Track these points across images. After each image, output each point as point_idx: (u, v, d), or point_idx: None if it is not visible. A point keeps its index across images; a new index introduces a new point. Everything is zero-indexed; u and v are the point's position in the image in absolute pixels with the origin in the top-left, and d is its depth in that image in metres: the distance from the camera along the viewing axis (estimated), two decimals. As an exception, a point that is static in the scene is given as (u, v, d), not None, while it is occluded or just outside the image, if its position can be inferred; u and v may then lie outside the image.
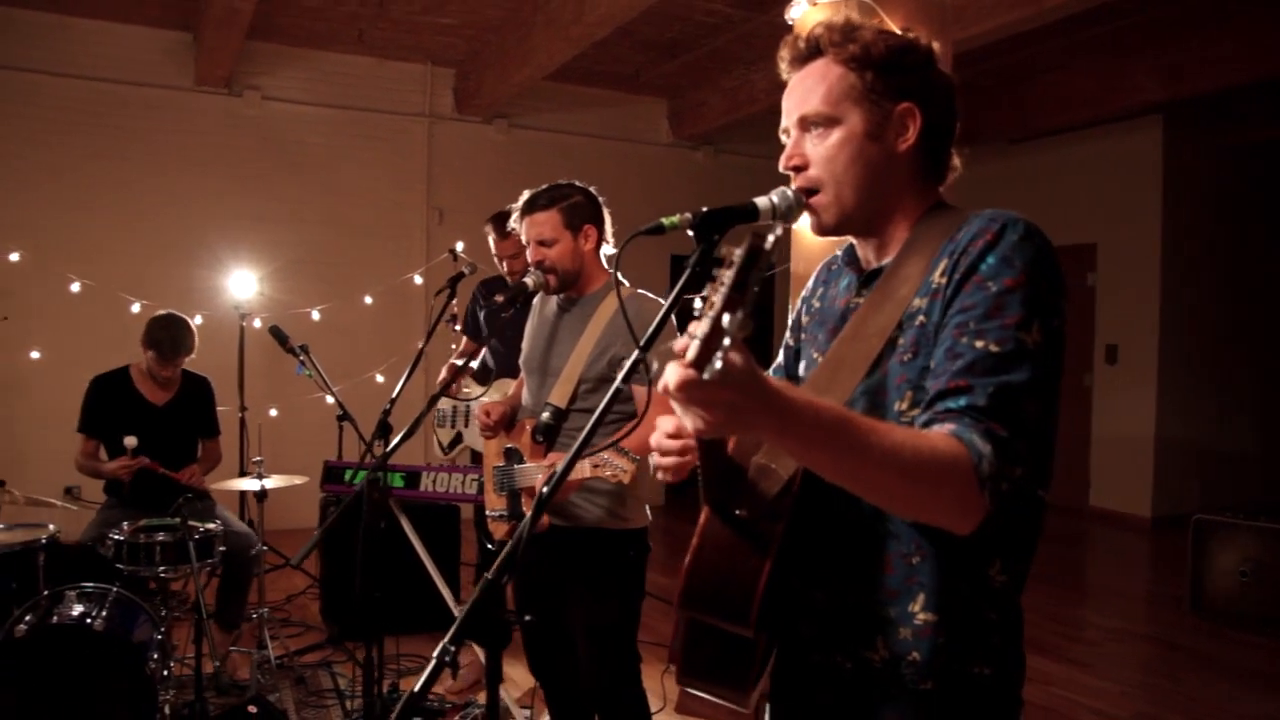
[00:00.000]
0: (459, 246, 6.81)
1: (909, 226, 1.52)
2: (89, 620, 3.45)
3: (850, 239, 1.63)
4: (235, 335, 5.90)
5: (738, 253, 1.01)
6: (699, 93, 9.04)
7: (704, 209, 1.51)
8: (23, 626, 3.41)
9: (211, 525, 4.02)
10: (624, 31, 6.89)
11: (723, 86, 8.67)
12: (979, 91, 8.47)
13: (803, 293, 1.78)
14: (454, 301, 3.95)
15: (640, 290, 2.97)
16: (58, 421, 6.80)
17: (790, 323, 1.80)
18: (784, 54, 1.57)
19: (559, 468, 1.43)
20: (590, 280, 2.96)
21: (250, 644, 4.45)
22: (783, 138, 1.56)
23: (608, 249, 3.03)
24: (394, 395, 3.73)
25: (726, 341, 0.97)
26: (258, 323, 6.29)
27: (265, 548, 4.36)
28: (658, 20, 7.10)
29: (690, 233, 1.44)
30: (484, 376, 4.64)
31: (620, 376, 1.41)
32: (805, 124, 1.51)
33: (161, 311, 4.61)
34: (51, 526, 3.97)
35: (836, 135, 1.49)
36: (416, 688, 1.28)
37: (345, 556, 5.15)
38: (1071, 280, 9.34)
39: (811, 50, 1.53)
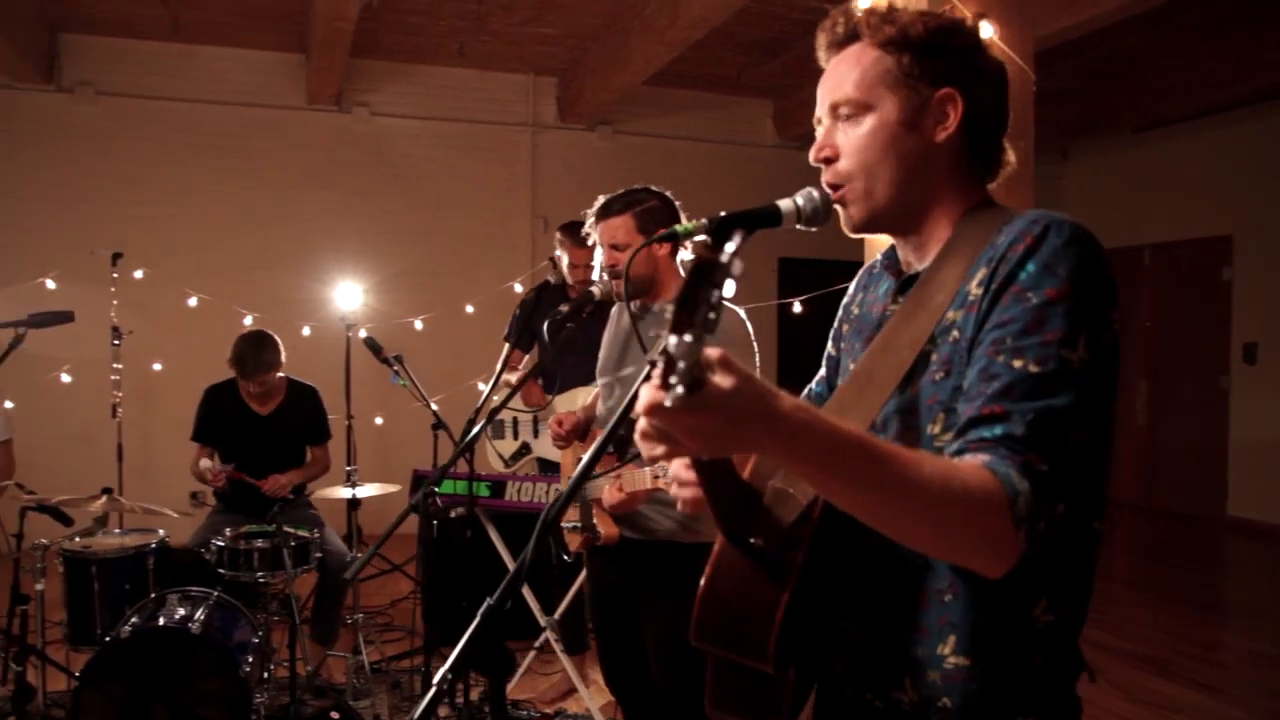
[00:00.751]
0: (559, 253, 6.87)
1: (950, 225, 1.40)
2: (188, 623, 3.57)
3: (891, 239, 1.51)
4: (342, 345, 6.06)
5: (688, 267, 0.95)
6: (803, 92, 8.81)
7: (721, 213, 1.44)
8: (127, 628, 3.56)
9: (305, 533, 4.11)
10: (723, 32, 6.82)
11: (826, 83, 8.50)
12: (1098, 78, 8.09)
13: (844, 298, 1.68)
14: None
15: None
16: (180, 429, 7.16)
17: (832, 330, 1.70)
18: (821, 38, 1.47)
19: (582, 460, 1.36)
20: (665, 288, 2.89)
21: (347, 649, 4.55)
22: (816, 129, 1.45)
23: (685, 254, 2.97)
24: (479, 405, 3.77)
25: (681, 365, 0.89)
26: (363, 333, 6.44)
27: (356, 556, 4.44)
28: (757, 20, 7.01)
29: (708, 239, 1.37)
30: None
31: (633, 391, 1.33)
32: (837, 112, 1.40)
33: (250, 329, 4.75)
34: (161, 532, 4.14)
35: (869, 123, 1.37)
36: (414, 717, 1.25)
37: (442, 563, 5.24)
38: (1205, 275, 8.86)
39: (849, 34, 1.42)
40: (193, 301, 6.81)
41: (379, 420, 7.11)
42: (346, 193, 7.97)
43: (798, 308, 6.28)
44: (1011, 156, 1.46)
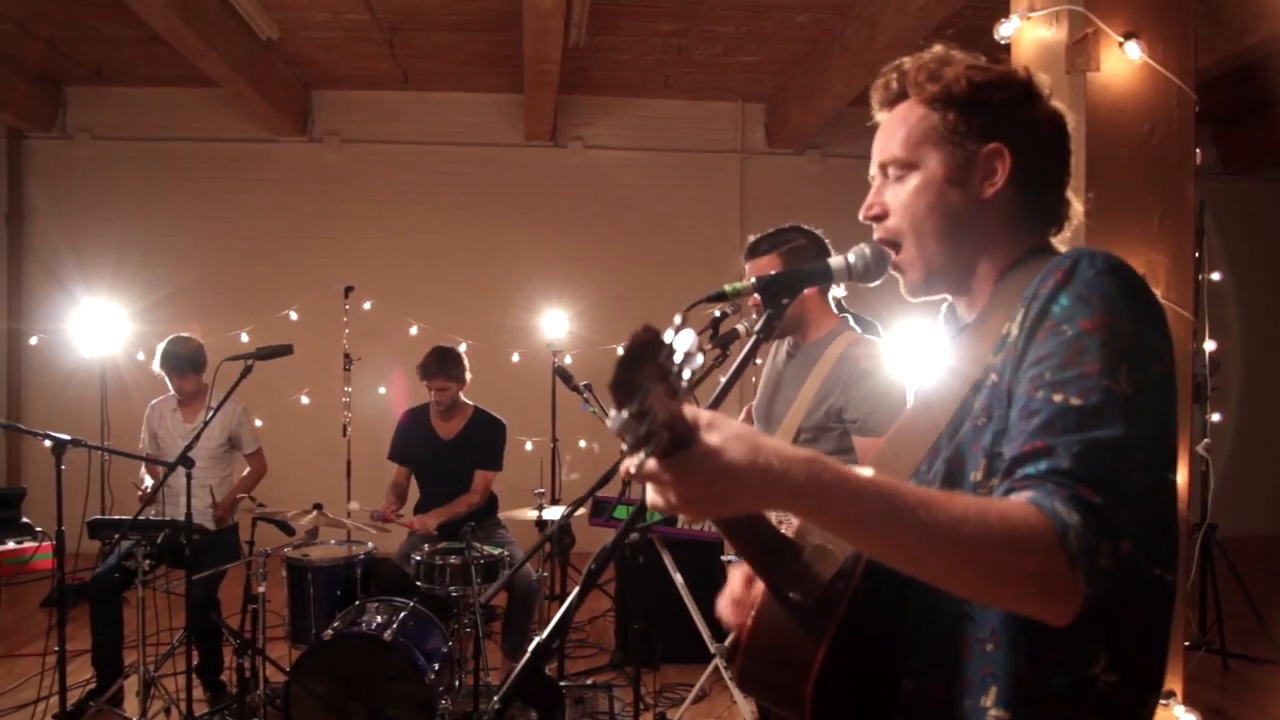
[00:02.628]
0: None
1: (996, 279, 1.37)
2: (383, 630, 3.89)
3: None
4: (549, 371, 6.38)
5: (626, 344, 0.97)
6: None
7: (770, 274, 1.48)
8: (329, 632, 3.91)
9: (495, 551, 4.37)
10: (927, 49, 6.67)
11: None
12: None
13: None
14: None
15: (869, 336, 2.88)
16: None
17: None
18: (875, 95, 1.47)
19: None
20: (815, 326, 2.90)
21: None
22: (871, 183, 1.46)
23: (837, 292, 2.97)
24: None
25: (629, 437, 0.93)
26: (568, 359, 6.78)
27: (544, 575, 4.67)
28: (955, 38, 6.78)
29: (757, 297, 1.40)
30: None
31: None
32: (886, 170, 1.41)
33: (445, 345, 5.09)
34: (370, 545, 4.52)
35: (914, 181, 1.37)
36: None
37: (631, 586, 5.39)
38: None
39: (899, 91, 1.43)
40: (414, 330, 7.36)
41: (583, 444, 7.40)
42: (559, 223, 8.37)
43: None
44: (1078, 206, 1.40)
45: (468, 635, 4.43)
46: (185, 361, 4.80)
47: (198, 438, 3.99)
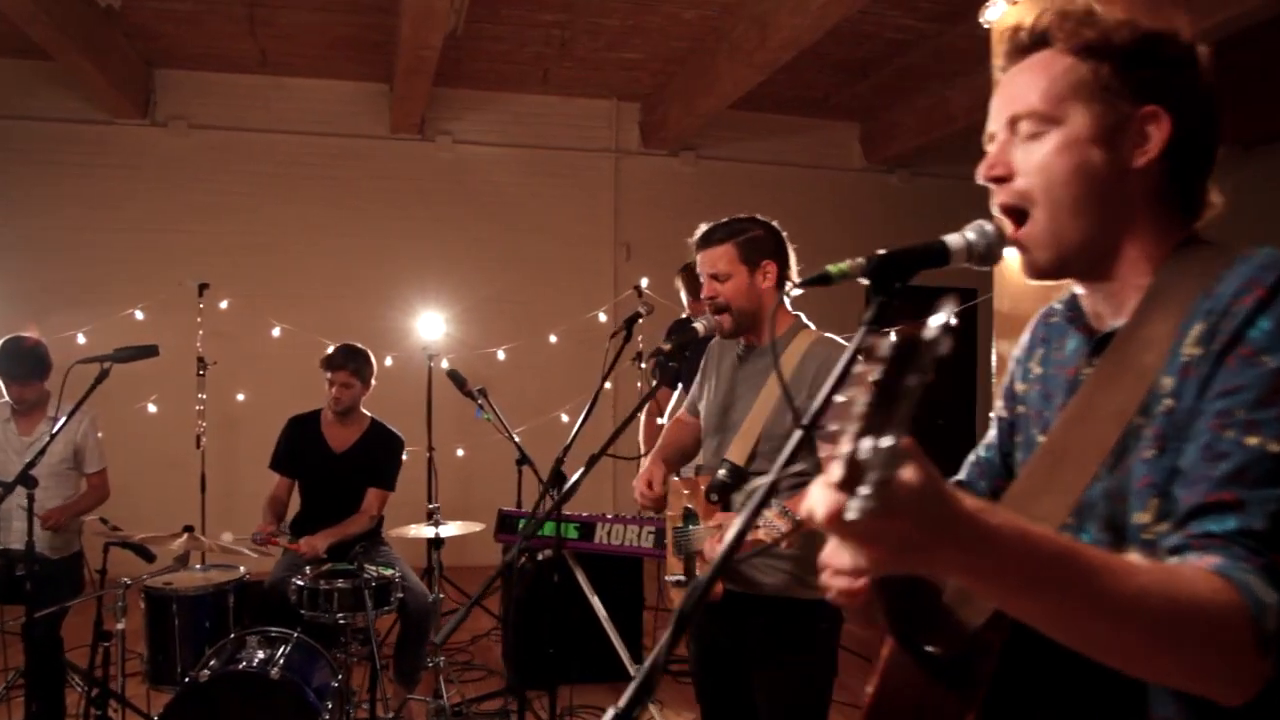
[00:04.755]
0: (644, 283, 6.72)
1: (1150, 270, 1.17)
2: (268, 667, 3.46)
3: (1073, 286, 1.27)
4: (424, 375, 5.96)
5: (885, 348, 0.75)
6: (892, 113, 8.63)
7: (880, 252, 1.22)
8: (206, 671, 3.46)
9: (389, 572, 3.99)
10: (812, 53, 6.62)
11: (917, 106, 8.24)
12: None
13: (1015, 352, 1.43)
14: (628, 343, 3.80)
15: (828, 334, 2.68)
16: (261, 458, 7.15)
17: (1003, 389, 1.45)
18: (1000, 48, 1.26)
19: (728, 534, 1.13)
20: (770, 325, 2.67)
21: (428, 691, 4.41)
22: (986, 147, 1.24)
23: (795, 291, 2.75)
24: (568, 443, 3.61)
25: (874, 475, 0.72)
26: (445, 363, 6.37)
27: (439, 596, 4.30)
28: (846, 40, 6.80)
29: (864, 281, 1.17)
30: None
31: (779, 462, 1.08)
32: (1015, 126, 1.19)
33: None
34: (242, 569, 4.05)
35: (1053, 139, 1.16)
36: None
37: (523, 601, 5.09)
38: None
39: (1036, 40, 1.21)
40: (276, 331, 6.82)
41: (460, 452, 7.01)
42: (430, 221, 7.95)
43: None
44: (1217, 198, 1.21)
45: (355, 664, 4.04)
46: (28, 366, 4.21)
47: (42, 453, 3.44)
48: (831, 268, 1.19)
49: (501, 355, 6.97)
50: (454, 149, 8.07)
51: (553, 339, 7.26)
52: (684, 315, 4.46)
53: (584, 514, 3.84)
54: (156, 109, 7.58)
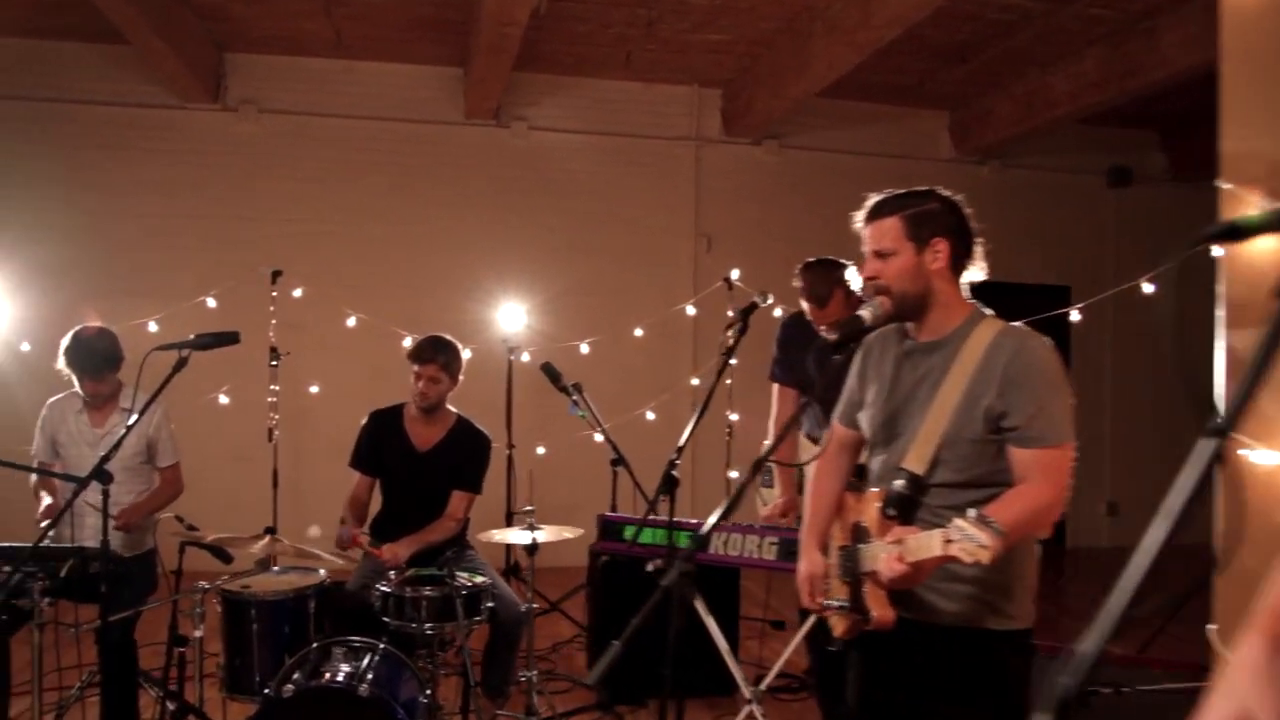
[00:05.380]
0: (734, 274, 6.40)
1: None
2: (356, 682, 3.19)
3: None
4: (503, 369, 5.71)
5: None
6: (985, 101, 8.21)
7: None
8: (290, 686, 3.19)
9: (479, 579, 3.71)
10: (907, 37, 6.23)
11: (1014, 93, 7.81)
12: None
13: None
14: (744, 335, 3.48)
15: (1015, 324, 2.32)
16: (333, 454, 6.93)
17: None
18: None
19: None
20: (946, 313, 2.31)
21: (518, 707, 4.12)
22: None
23: (975, 274, 2.36)
24: (680, 444, 3.31)
25: None
26: (525, 356, 6.12)
27: (531, 607, 4.00)
28: (947, 21, 6.41)
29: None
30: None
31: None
32: None
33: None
34: (322, 573, 3.79)
35: None
36: None
37: (614, 609, 4.79)
38: None
39: None
40: (351, 321, 6.58)
41: (541, 450, 6.72)
42: (505, 210, 7.70)
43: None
44: None
45: (442, 677, 3.77)
46: (102, 359, 3.97)
47: (117, 447, 3.18)
48: (1240, 219, 0.87)
49: (585, 349, 6.65)
50: (529, 135, 7.79)
51: (638, 332, 6.94)
52: (795, 312, 4.07)
53: (696, 521, 3.50)
54: (227, 93, 7.39)
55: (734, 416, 6.40)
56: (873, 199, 2.37)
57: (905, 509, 2.18)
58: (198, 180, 7.29)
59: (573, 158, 7.85)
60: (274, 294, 5.91)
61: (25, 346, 6.06)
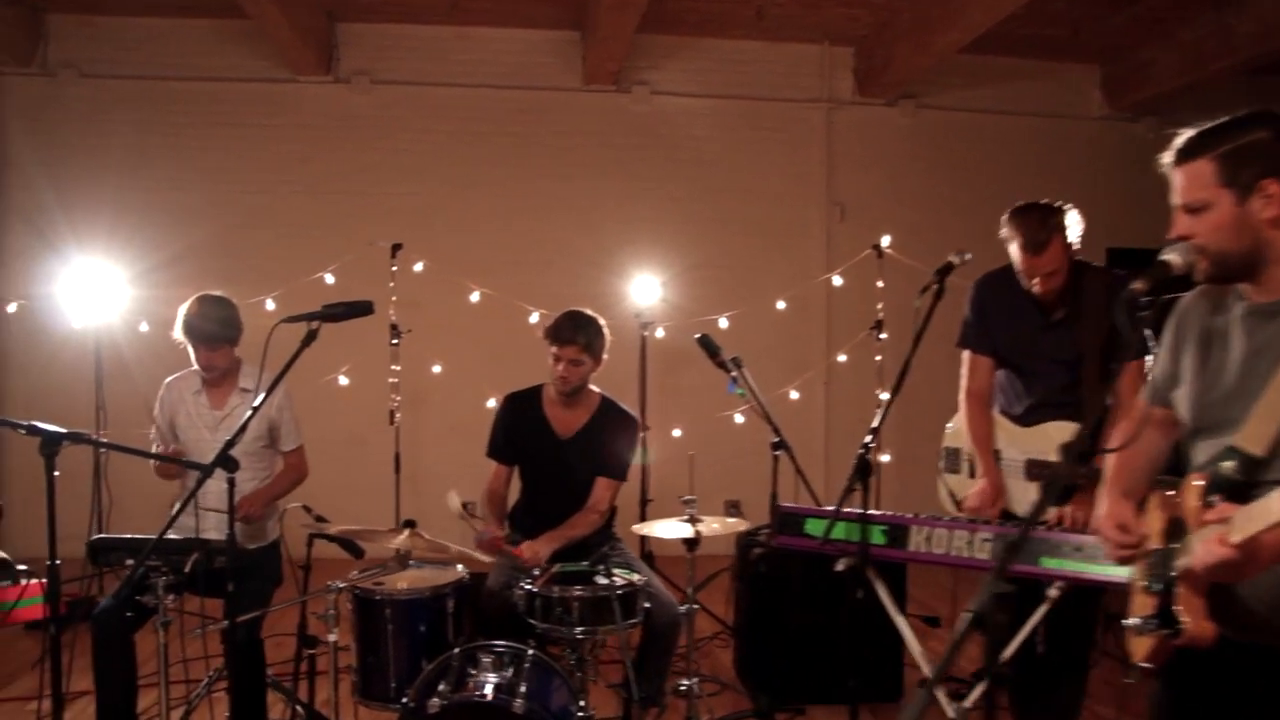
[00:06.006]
0: (884, 241, 5.88)
1: None
2: (508, 696, 2.82)
3: None
4: (636, 346, 5.30)
5: None
6: (1144, 52, 7.48)
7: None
8: (436, 700, 2.84)
9: (634, 577, 3.31)
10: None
11: (1180, 40, 7.08)
12: None
13: None
14: (940, 299, 2.98)
15: None
16: (457, 437, 6.67)
17: None
18: None
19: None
20: (1272, 267, 1.80)
21: (675, 716, 3.72)
22: None
23: None
24: (875, 424, 2.85)
25: None
26: (660, 332, 5.72)
27: (693, 607, 3.57)
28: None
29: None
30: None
31: None
32: None
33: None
34: (460, 568, 3.44)
35: None
36: None
37: (767, 606, 4.37)
38: None
39: None
40: (474, 296, 6.26)
41: (677, 433, 6.31)
42: (627, 179, 7.31)
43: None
44: None
45: (592, 684, 3.39)
46: (219, 327, 3.69)
47: (243, 430, 2.86)
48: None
49: (724, 323, 6.18)
50: (651, 101, 7.37)
51: (781, 305, 6.46)
52: (995, 270, 3.50)
53: (893, 514, 3.02)
54: (339, 65, 7.15)
55: (884, 395, 5.89)
56: (1181, 136, 1.85)
57: (1234, 497, 1.68)
58: (311, 155, 7.10)
59: (697, 123, 7.40)
60: (394, 269, 5.60)
61: (144, 327, 5.90)
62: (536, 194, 7.21)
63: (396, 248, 5.60)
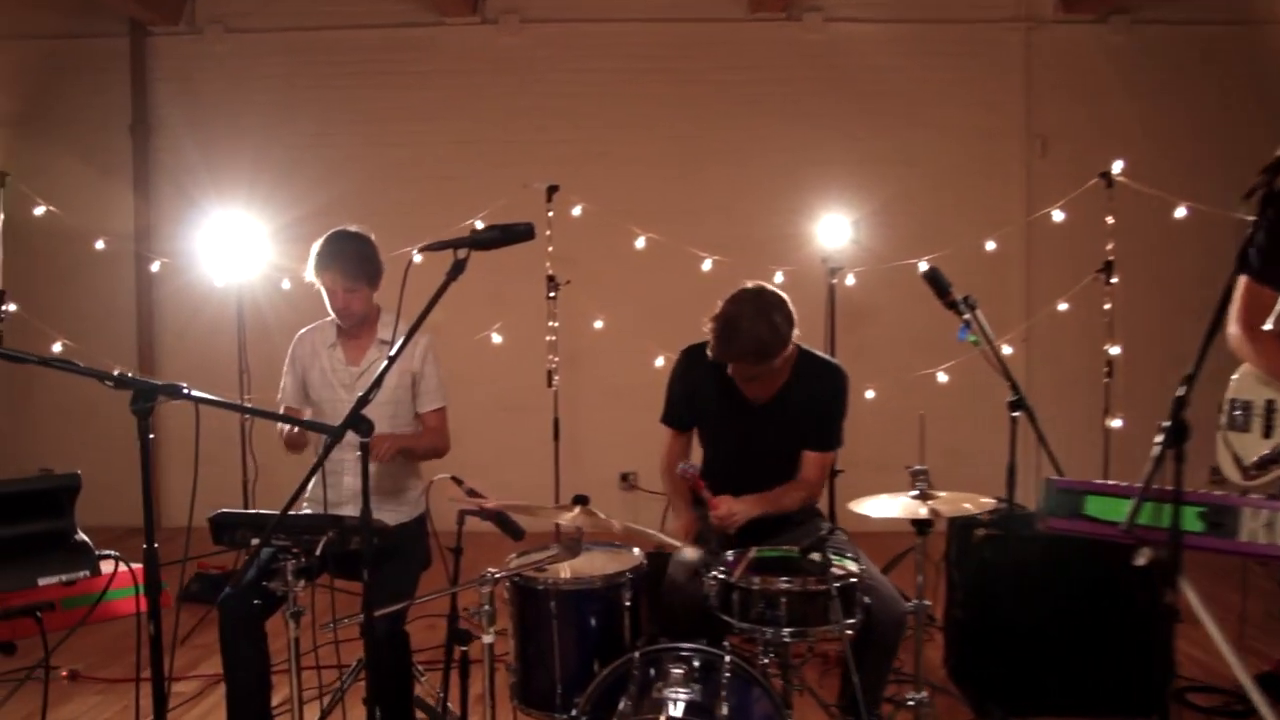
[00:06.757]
0: (1116, 166, 5.01)
1: None
2: (708, 717, 2.23)
3: None
4: (823, 294, 4.62)
5: None
6: None
7: None
8: (617, 720, 2.26)
9: (852, 566, 2.65)
10: None
11: None
12: None
13: None
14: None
15: None
16: (616, 399, 6.20)
17: None
18: None
19: None
20: None
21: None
22: None
23: None
24: (1190, 372, 2.11)
25: None
26: (850, 279, 5.03)
27: (922, 603, 2.89)
28: None
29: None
30: None
31: None
32: None
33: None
34: (637, 552, 2.85)
35: None
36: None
37: (994, 601, 3.65)
38: None
39: None
40: (640, 242, 5.69)
41: (870, 394, 5.58)
42: (799, 117, 6.60)
43: None
44: None
45: (798, 696, 2.76)
46: (354, 262, 3.22)
47: (378, 384, 2.32)
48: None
49: (924, 266, 5.39)
50: (825, 29, 6.61)
51: (990, 245, 5.64)
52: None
53: (1217, 494, 2.27)
54: (486, 4, 6.68)
55: (1114, 350, 5.01)
56: None
57: None
58: (459, 101, 6.68)
59: (877, 52, 6.59)
60: (550, 214, 5.05)
61: (285, 285, 5.59)
62: (700, 134, 6.61)
63: (553, 189, 5.07)
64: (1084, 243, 5.33)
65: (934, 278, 3.08)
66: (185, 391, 1.98)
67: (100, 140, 6.73)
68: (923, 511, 2.67)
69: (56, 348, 5.76)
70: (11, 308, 5.35)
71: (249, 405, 3.15)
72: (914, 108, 6.57)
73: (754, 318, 2.97)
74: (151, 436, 1.93)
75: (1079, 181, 5.22)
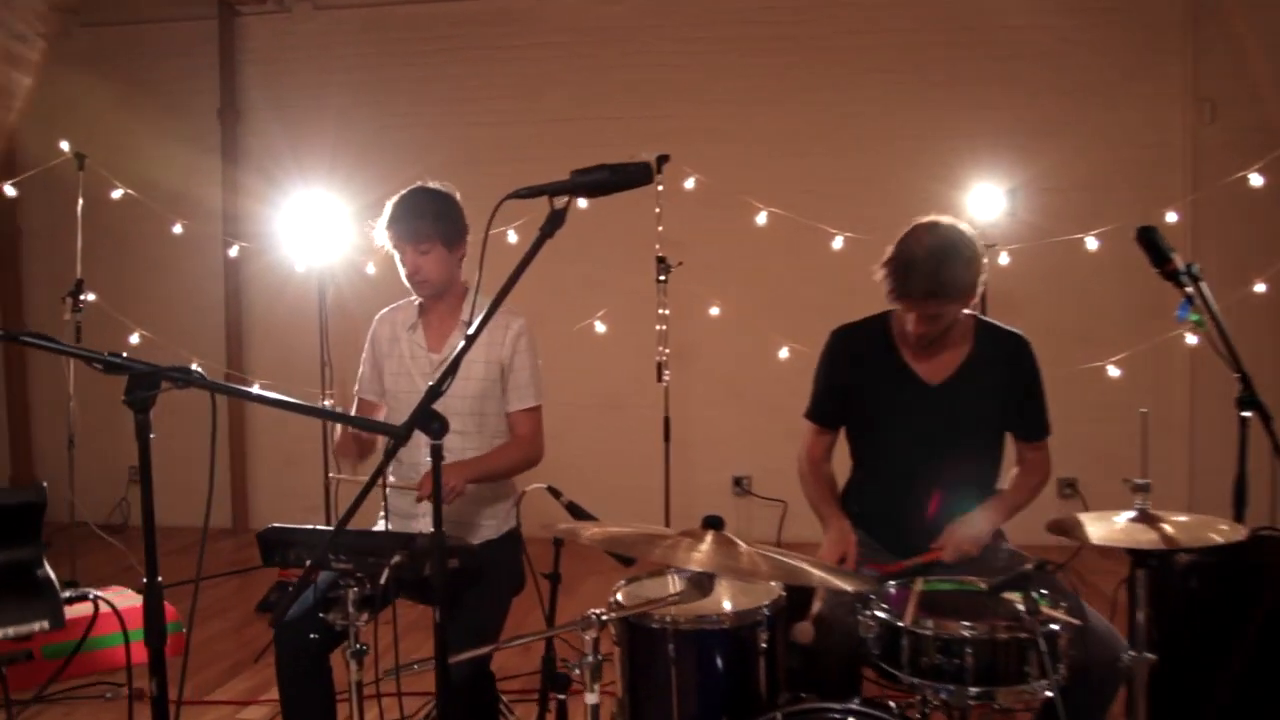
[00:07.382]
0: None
1: None
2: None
3: None
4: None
5: None
6: None
7: None
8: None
9: (1062, 608, 2.05)
10: None
11: None
12: None
13: None
14: None
15: None
16: (732, 396, 5.70)
17: None
18: None
19: None
20: None
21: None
22: None
23: None
24: None
25: None
26: (1004, 257, 4.40)
27: (1150, 659, 2.27)
28: None
29: None
30: None
31: None
32: None
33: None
34: (775, 585, 2.29)
35: None
36: None
37: (1207, 638, 3.02)
38: None
39: None
40: (761, 218, 5.16)
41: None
42: (923, 85, 5.97)
43: None
44: None
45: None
46: (432, 222, 2.75)
47: (453, 371, 1.84)
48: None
49: (1093, 244, 4.74)
50: (953, -13, 5.97)
51: (1172, 217, 4.92)
52: None
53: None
54: (580, -27, 6.27)
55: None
56: None
57: None
58: (553, 76, 6.28)
59: (1011, 10, 5.90)
60: (660, 188, 4.53)
61: (370, 269, 5.22)
62: (817, 104, 6.05)
63: (663, 159, 4.58)
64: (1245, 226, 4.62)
65: (1149, 238, 2.46)
66: (196, 374, 1.51)
67: (188, 125, 6.52)
68: (1152, 537, 2.05)
69: (134, 340, 5.49)
70: (90, 297, 5.07)
71: (311, 402, 2.69)
72: (1054, 73, 5.88)
73: (940, 245, 2.52)
74: (152, 436, 1.47)
75: (1251, 150, 4.48)
